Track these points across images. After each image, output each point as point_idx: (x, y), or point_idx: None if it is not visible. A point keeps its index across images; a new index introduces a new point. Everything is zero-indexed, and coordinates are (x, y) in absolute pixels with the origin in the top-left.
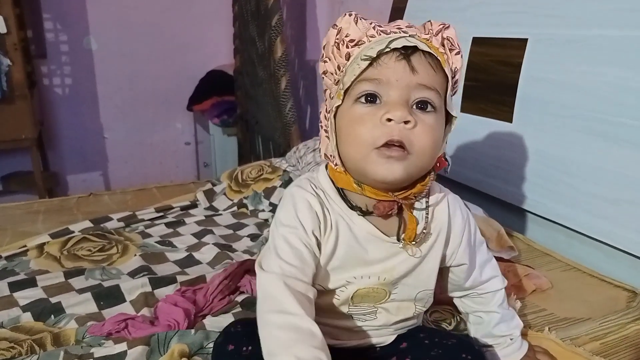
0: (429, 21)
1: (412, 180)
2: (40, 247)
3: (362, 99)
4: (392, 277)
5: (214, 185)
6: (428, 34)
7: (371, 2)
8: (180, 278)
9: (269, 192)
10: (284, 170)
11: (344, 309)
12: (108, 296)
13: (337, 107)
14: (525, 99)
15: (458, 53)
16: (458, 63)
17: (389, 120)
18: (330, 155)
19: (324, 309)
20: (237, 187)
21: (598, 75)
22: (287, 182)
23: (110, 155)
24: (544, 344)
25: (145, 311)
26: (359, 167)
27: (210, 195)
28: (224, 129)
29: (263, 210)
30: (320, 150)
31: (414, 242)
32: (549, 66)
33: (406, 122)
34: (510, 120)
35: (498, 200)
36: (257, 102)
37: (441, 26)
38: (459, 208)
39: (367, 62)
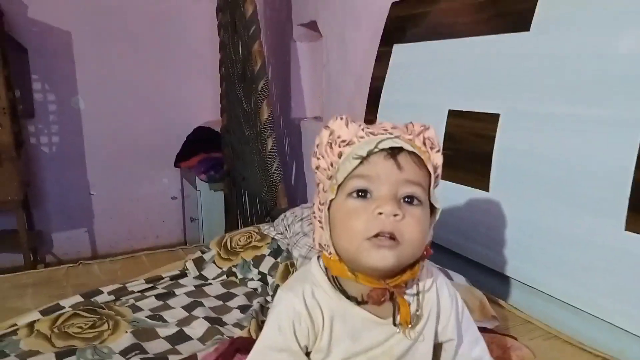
0: (411, 122)
1: (403, 267)
2: (31, 325)
3: (354, 194)
4: (391, 358)
5: (202, 252)
6: (411, 134)
7: (352, 69)
8: (172, 358)
9: (257, 261)
10: (272, 238)
11: None
12: None
13: (331, 200)
14: (500, 168)
15: (438, 151)
16: (439, 160)
17: (380, 213)
18: (325, 245)
19: None
20: (226, 254)
21: (567, 147)
22: (275, 251)
23: (96, 211)
24: None
25: None
26: (353, 256)
27: (199, 263)
28: (211, 184)
29: (252, 279)
30: (314, 240)
31: (410, 325)
32: (520, 139)
33: (395, 215)
34: (487, 188)
35: (480, 265)
36: (244, 160)
37: (422, 127)
38: (446, 287)
39: (358, 161)
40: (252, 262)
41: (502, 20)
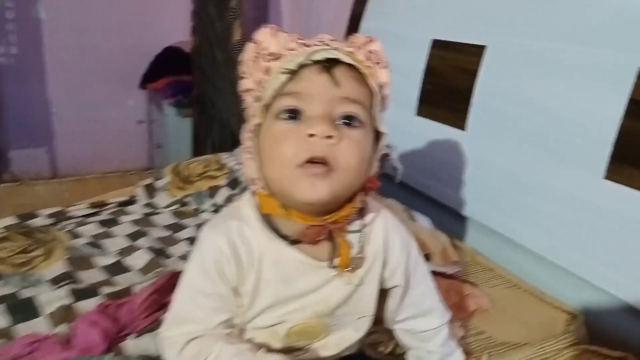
0: (354, 34)
1: (340, 201)
2: None
3: (284, 115)
4: (328, 307)
5: (156, 179)
6: (352, 47)
7: None
8: (105, 289)
9: (213, 191)
10: (231, 169)
11: (279, 346)
12: (23, 309)
13: (259, 125)
14: (479, 107)
15: (385, 67)
16: (385, 77)
17: (312, 135)
18: (255, 178)
19: (260, 346)
20: (180, 182)
21: (551, 91)
22: (233, 182)
23: (58, 130)
24: None
25: (63, 327)
26: (283, 189)
27: (150, 190)
28: (179, 110)
29: (206, 211)
30: (244, 173)
31: (348, 269)
32: (504, 76)
33: (329, 137)
34: (463, 127)
35: (448, 207)
36: (215, 85)
37: (367, 39)
38: (398, 232)
39: (287, 76)
40: (207, 193)
41: None
